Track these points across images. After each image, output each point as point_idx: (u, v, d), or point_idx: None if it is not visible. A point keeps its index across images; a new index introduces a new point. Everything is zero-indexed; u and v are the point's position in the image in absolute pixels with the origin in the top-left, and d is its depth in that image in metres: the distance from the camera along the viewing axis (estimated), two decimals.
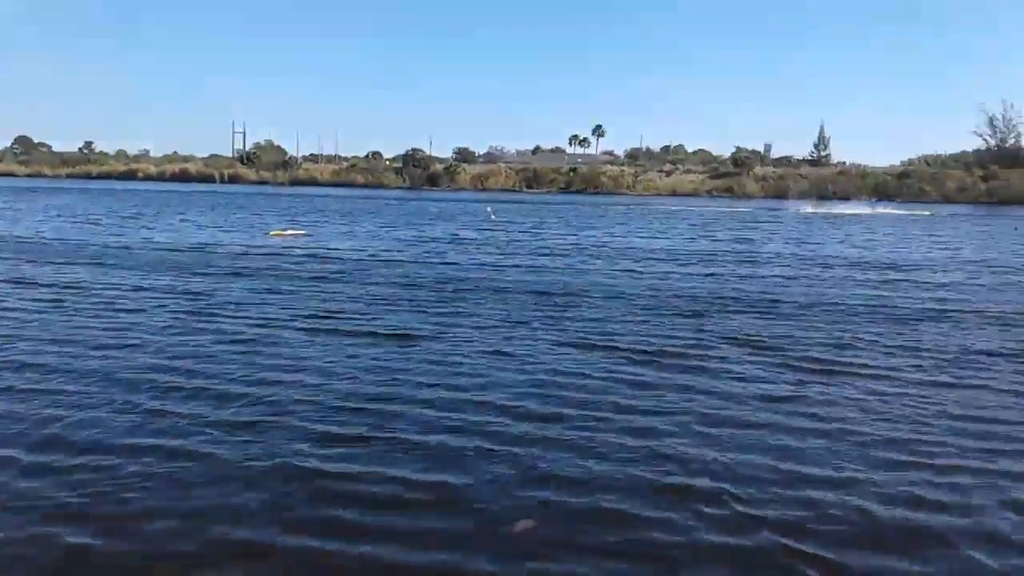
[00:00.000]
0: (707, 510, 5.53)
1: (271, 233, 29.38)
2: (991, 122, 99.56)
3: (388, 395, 8.07)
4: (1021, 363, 10.11)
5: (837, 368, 9.64)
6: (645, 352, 10.28)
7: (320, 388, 8.28)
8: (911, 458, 6.58)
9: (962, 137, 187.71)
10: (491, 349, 10.32)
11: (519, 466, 6.23)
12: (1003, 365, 9.98)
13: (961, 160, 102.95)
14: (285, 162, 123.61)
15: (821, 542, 5.08)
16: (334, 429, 7.02)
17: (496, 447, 6.63)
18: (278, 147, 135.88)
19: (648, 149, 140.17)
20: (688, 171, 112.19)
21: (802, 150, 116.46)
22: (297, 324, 11.76)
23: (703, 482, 5.99)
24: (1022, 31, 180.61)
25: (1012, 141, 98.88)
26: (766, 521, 5.34)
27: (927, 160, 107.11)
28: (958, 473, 6.28)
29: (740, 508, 5.55)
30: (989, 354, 10.61)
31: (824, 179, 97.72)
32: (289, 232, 30.14)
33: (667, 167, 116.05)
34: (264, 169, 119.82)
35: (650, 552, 4.98)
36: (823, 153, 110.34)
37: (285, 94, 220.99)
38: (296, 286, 15.85)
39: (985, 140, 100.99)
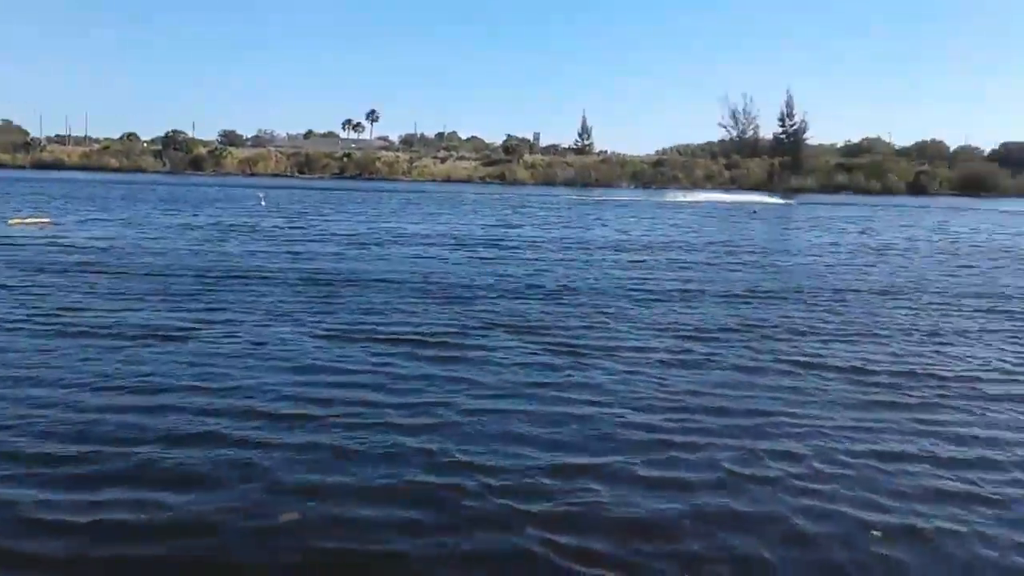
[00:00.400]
0: (468, 506, 5.46)
1: (10, 222, 26.34)
2: (733, 114, 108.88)
3: (124, 405, 7.35)
4: (750, 337, 11.03)
5: (593, 350, 10.01)
6: (409, 341, 10.20)
7: (43, 400, 7.41)
8: (660, 437, 6.88)
9: (710, 128, 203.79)
10: (250, 344, 9.80)
11: (269, 476, 5.84)
12: (735, 341, 10.84)
13: (708, 150, 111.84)
14: (26, 143, 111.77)
15: (579, 533, 5.11)
16: (54, 449, 6.24)
17: (246, 457, 6.19)
18: (17, 127, 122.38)
19: (423, 135, 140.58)
20: (462, 158, 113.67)
21: (568, 139, 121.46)
22: (29, 325, 10.59)
23: (463, 479, 5.89)
24: (763, 28, 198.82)
25: (751, 132, 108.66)
26: (527, 515, 5.31)
27: (679, 150, 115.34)
28: (719, 435, 6.82)
29: (501, 502, 5.51)
30: (724, 330, 11.53)
31: (588, 167, 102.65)
32: (31, 220, 27.22)
33: (442, 153, 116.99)
34: (0, 151, 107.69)
35: (411, 558, 4.83)
36: (587, 142, 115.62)
37: (25, 71, 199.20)
38: (35, 281, 14.31)
39: (728, 131, 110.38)
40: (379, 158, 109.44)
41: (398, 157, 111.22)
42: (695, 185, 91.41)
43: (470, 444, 6.61)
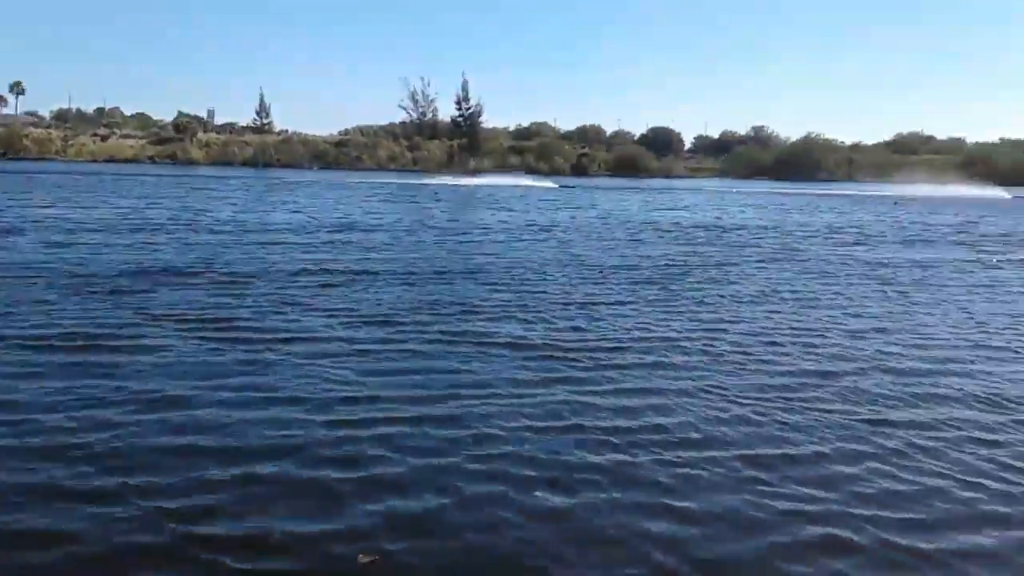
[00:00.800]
0: (125, 537, 4.89)
1: None
2: (413, 97, 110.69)
3: None
4: (427, 318, 11.29)
5: (272, 342, 9.60)
6: (48, 346, 9.00)
7: None
8: (339, 434, 6.68)
9: (392, 109, 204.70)
10: None
11: None
12: (412, 322, 11.05)
13: (390, 131, 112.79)
14: None
15: (262, 554, 4.77)
16: None
17: None
18: None
19: (79, 111, 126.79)
20: (127, 136, 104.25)
21: (245, 117, 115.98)
22: None
23: (117, 506, 5.23)
24: (440, 10, 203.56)
25: (431, 115, 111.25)
26: (200, 540, 4.83)
27: (361, 131, 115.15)
28: (390, 424, 6.86)
29: (168, 528, 4.97)
30: (402, 311, 11.72)
31: (268, 146, 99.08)
32: None
33: (102, 131, 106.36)
34: None
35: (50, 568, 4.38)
36: (265, 121, 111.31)
37: None
38: None
39: (408, 113, 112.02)
40: (27, 135, 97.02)
41: (50, 134, 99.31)
42: (379, 166, 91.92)
43: (126, 464, 5.90)
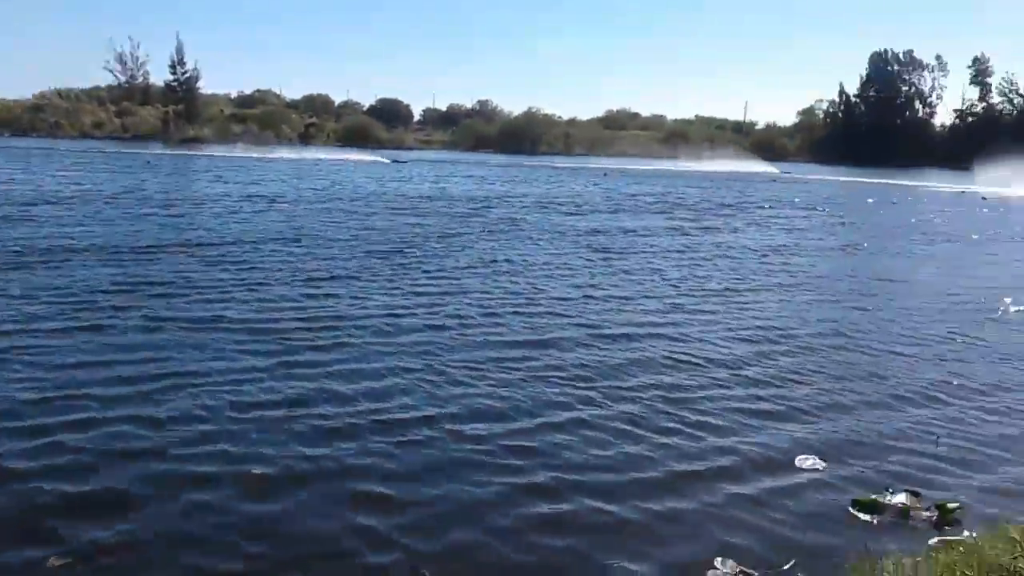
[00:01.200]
0: None
1: None
2: (120, 58, 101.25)
3: None
4: (136, 298, 10.51)
5: None
6: None
7: None
8: (27, 423, 6.13)
9: (96, 72, 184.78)
10: None
11: None
12: (105, 304, 10.19)
13: (95, 95, 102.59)
14: None
15: None
16: None
17: None
18: None
19: None
20: None
21: None
22: None
23: None
24: None
25: (142, 79, 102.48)
26: None
27: (60, 93, 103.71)
28: (80, 429, 6.13)
29: None
30: (110, 292, 10.84)
31: None
32: None
33: None
34: None
35: None
36: None
37: None
38: None
39: (116, 76, 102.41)
40: None
41: None
42: (84, 134, 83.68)
43: None
